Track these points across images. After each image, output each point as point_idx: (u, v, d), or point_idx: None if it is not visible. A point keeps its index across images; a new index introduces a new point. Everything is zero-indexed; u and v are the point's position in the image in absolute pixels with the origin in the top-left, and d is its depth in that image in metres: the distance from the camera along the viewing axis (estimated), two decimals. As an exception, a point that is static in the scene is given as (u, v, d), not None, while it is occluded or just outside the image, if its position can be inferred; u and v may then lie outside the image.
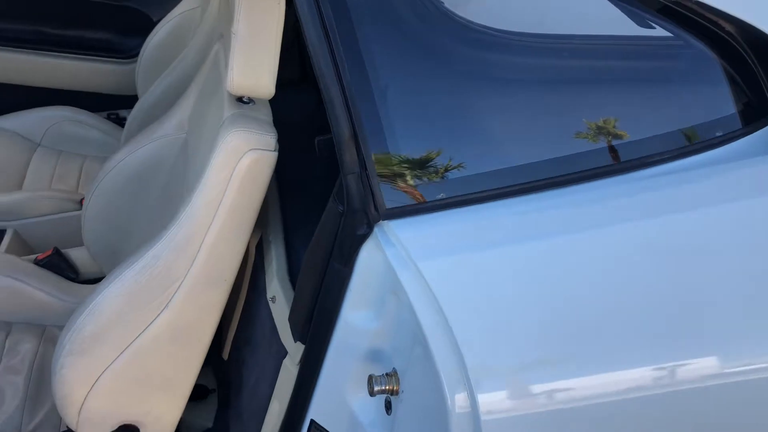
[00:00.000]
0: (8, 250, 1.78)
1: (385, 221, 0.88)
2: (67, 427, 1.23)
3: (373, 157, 0.87)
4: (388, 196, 0.87)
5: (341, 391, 0.97)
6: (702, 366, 0.80)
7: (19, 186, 2.01)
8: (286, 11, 1.10)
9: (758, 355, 0.81)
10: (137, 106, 2.03)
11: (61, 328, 1.30)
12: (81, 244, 1.73)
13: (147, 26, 2.22)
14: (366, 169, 0.87)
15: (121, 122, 2.37)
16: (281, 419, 1.12)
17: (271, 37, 1.06)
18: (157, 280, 1.11)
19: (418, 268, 0.82)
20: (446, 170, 0.90)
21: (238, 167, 1.06)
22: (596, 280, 0.83)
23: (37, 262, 1.72)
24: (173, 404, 1.23)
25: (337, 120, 0.86)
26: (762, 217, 0.87)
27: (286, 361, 1.14)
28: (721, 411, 0.82)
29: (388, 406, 0.89)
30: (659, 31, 0.98)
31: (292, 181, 1.50)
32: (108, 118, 2.43)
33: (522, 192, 0.90)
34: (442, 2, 0.96)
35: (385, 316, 0.89)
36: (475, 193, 0.89)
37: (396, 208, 0.88)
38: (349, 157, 0.87)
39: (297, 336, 1.06)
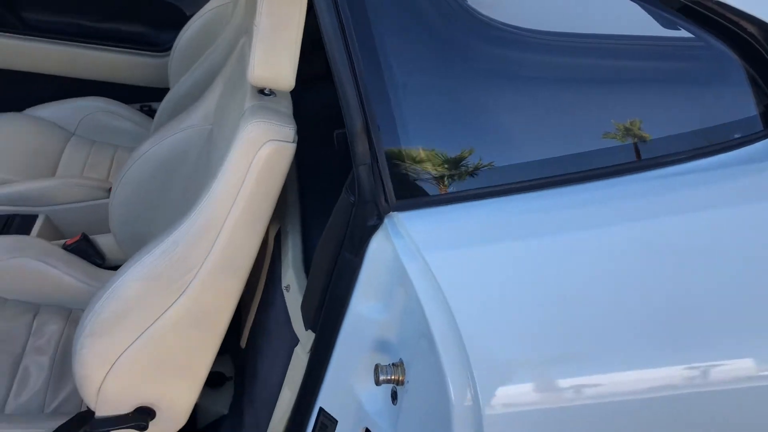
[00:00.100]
0: (39, 235, 1.82)
1: (395, 213, 0.89)
2: (87, 407, 1.26)
3: (384, 150, 0.88)
4: (399, 188, 0.88)
5: (349, 379, 0.98)
6: (700, 366, 0.79)
7: (53, 173, 2.06)
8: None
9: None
10: (167, 97, 2.06)
11: (85, 311, 1.33)
12: (108, 231, 1.77)
13: (180, 20, 2.25)
14: (377, 161, 0.88)
15: (153, 114, 2.39)
16: (291, 407, 1.13)
17: (292, 30, 1.07)
18: (175, 265, 1.13)
19: (425, 260, 0.82)
20: (458, 165, 0.90)
21: (256, 157, 1.08)
22: (605, 279, 0.83)
23: (65, 247, 1.77)
24: (189, 389, 1.25)
25: (350, 111, 0.87)
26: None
27: (297, 349, 1.16)
28: (723, 411, 0.81)
29: (394, 396, 0.89)
30: (681, 32, 0.97)
31: (312, 173, 1.51)
32: (141, 109, 2.48)
33: (534, 188, 0.90)
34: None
35: (393, 307, 0.90)
36: (485, 187, 0.89)
37: (406, 200, 0.88)
38: (361, 148, 0.88)
39: (308, 324, 1.08)
